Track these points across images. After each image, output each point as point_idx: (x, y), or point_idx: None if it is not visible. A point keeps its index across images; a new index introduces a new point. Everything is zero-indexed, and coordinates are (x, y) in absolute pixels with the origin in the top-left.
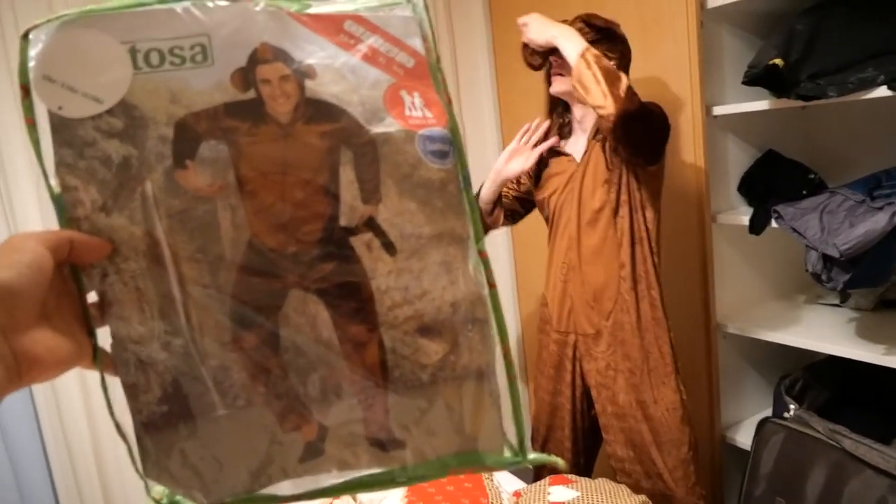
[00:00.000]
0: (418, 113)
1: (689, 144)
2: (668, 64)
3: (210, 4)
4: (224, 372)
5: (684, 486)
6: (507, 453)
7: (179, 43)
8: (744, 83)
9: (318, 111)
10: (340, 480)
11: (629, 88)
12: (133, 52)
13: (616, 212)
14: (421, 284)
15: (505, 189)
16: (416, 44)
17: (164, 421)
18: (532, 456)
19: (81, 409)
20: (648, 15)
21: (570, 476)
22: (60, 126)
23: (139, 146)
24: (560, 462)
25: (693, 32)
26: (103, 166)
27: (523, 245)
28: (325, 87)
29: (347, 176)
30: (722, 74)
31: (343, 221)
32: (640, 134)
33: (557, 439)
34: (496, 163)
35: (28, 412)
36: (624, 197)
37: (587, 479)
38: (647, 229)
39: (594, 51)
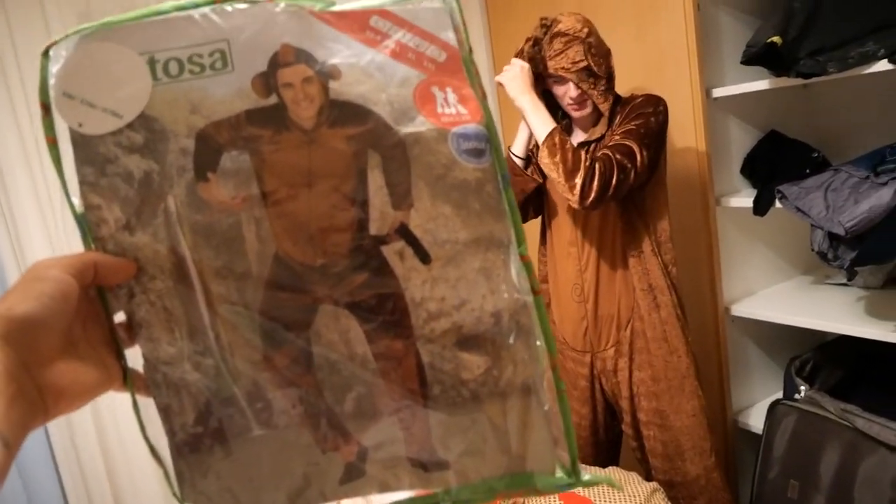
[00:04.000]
0: (451, 110)
1: (689, 128)
2: (665, 48)
3: (228, 8)
4: (257, 391)
5: (712, 495)
6: (560, 473)
7: (198, 50)
8: (742, 63)
9: (344, 113)
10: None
11: (589, 172)
12: (152, 63)
13: (626, 228)
14: (458, 294)
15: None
16: (448, 36)
17: (199, 442)
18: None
19: (92, 430)
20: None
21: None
22: (81, 143)
23: (160, 160)
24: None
25: (689, 15)
26: (125, 183)
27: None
28: (351, 88)
29: (376, 181)
30: (720, 56)
31: (373, 230)
32: (622, 193)
33: None
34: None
35: (40, 436)
36: (634, 213)
37: (597, 468)
38: (658, 239)
39: (559, 136)
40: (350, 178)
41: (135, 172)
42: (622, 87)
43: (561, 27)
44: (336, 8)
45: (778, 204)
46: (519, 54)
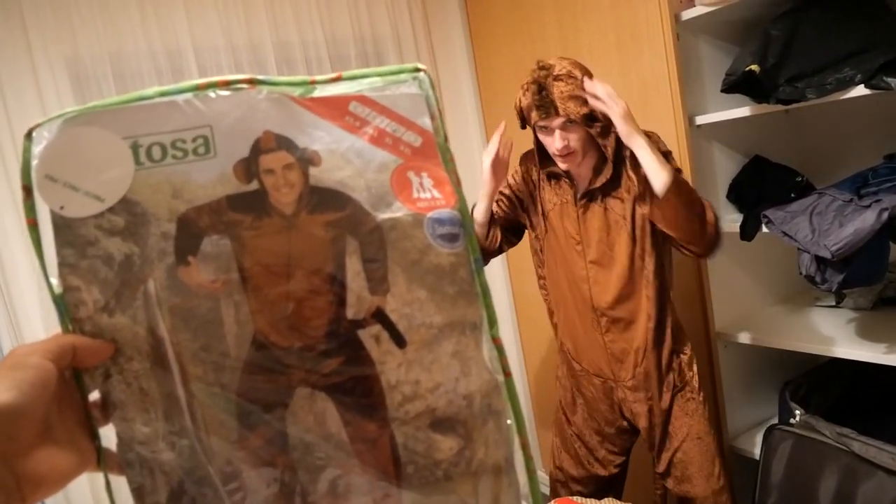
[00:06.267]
0: (426, 194)
1: (674, 155)
2: (647, 77)
3: (212, 94)
4: (232, 471)
5: None
6: None
7: (181, 135)
8: (722, 91)
9: (323, 200)
10: None
11: (716, 217)
12: (135, 148)
13: (644, 266)
14: (432, 377)
15: (496, 209)
16: (424, 122)
17: None
18: None
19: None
20: (625, 31)
21: (575, 498)
22: (62, 225)
23: (141, 243)
24: None
25: (670, 45)
26: (105, 265)
27: (519, 269)
28: (330, 174)
29: (354, 266)
30: (702, 84)
31: (350, 314)
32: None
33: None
34: (483, 179)
35: None
36: (650, 251)
37: (594, 500)
38: (667, 277)
39: (680, 177)
40: (328, 263)
41: (115, 255)
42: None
43: (558, 71)
44: (317, 94)
45: (764, 228)
46: (518, 103)
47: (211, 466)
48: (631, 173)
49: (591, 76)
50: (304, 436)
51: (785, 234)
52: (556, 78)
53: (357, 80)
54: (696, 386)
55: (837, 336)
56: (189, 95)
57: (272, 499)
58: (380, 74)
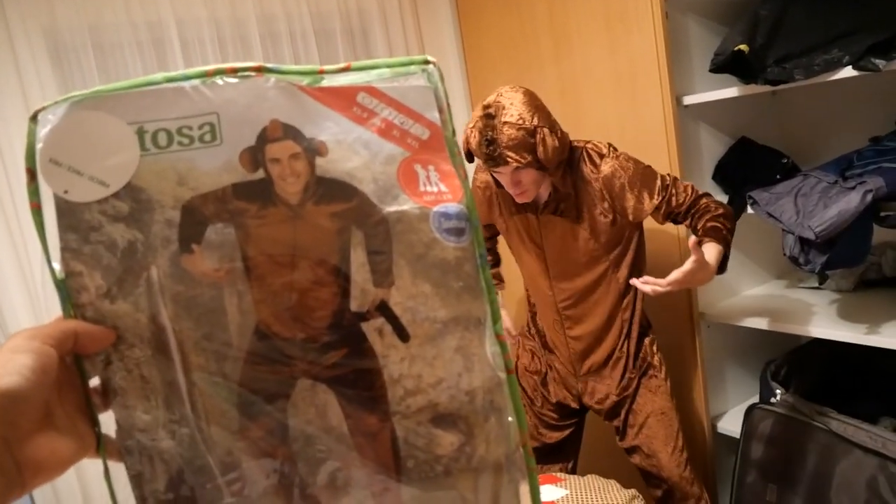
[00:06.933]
0: (433, 188)
1: (661, 135)
2: (635, 57)
3: (219, 82)
4: (231, 461)
5: (683, 489)
6: None
7: (188, 122)
8: (711, 71)
9: (329, 190)
10: None
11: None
12: (141, 134)
13: (617, 268)
14: (435, 372)
15: None
16: (433, 115)
17: None
18: None
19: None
20: (613, 9)
21: (558, 475)
22: (66, 210)
23: (145, 230)
24: None
25: (658, 24)
26: (108, 251)
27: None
28: (337, 165)
29: (359, 258)
30: (690, 64)
31: (354, 306)
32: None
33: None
34: None
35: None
36: (628, 253)
37: (576, 476)
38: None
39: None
40: (333, 254)
41: (119, 241)
42: (595, 99)
43: (506, 116)
44: (325, 83)
45: (749, 209)
46: (466, 142)
47: (210, 456)
48: (598, 189)
49: (541, 110)
50: (305, 427)
51: (770, 215)
52: (504, 125)
53: (366, 71)
54: (658, 364)
55: (819, 317)
56: (196, 82)
57: (271, 490)
58: (389, 66)
